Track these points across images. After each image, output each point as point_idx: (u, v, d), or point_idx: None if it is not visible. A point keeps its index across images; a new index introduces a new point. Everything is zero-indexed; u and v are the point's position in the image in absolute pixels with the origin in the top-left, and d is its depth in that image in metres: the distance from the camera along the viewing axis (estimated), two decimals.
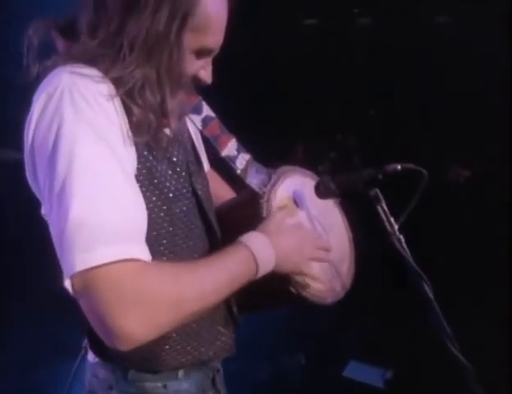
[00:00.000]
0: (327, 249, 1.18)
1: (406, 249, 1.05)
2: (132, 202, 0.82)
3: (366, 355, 2.73)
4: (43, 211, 0.90)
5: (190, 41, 0.90)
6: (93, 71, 0.84)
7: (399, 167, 1.03)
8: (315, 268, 1.17)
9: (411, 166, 1.03)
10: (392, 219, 1.06)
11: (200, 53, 0.94)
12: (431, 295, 1.02)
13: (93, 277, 0.75)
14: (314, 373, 2.73)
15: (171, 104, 0.90)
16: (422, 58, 4.75)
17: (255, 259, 0.96)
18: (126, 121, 0.86)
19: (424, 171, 1.02)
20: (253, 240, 0.99)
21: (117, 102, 0.85)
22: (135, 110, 0.86)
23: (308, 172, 1.33)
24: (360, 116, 5.21)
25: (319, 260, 1.16)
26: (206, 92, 1.10)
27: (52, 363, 2.62)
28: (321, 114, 4.90)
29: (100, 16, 0.86)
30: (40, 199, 0.90)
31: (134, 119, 0.86)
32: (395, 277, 1.04)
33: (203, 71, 0.97)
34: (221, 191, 1.34)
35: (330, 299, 1.20)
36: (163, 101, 0.89)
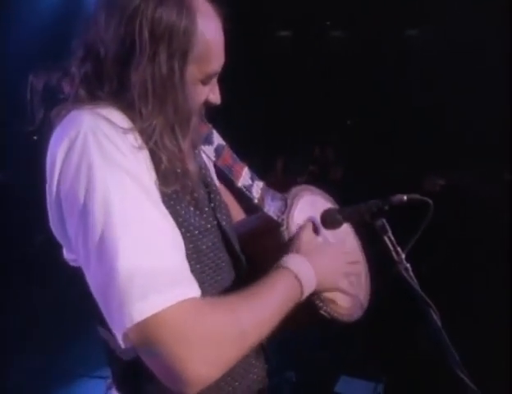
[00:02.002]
0: (357, 262, 1.18)
1: (413, 277, 1.05)
2: (175, 241, 0.80)
3: (357, 370, 2.74)
4: (68, 256, 0.86)
5: (195, 73, 0.88)
6: (115, 112, 0.81)
7: (405, 197, 1.03)
8: (345, 284, 1.16)
9: (417, 196, 1.04)
10: (399, 248, 1.06)
11: (206, 80, 0.92)
12: (439, 324, 1.03)
13: (152, 326, 0.72)
14: (305, 390, 2.72)
15: (184, 145, 0.87)
16: (395, 69, 4.86)
17: (300, 281, 0.95)
18: (153, 168, 0.83)
19: (430, 201, 1.03)
20: (294, 261, 0.98)
21: (145, 151, 0.82)
22: (164, 158, 0.83)
23: (316, 190, 1.34)
24: (337, 127, 5.27)
25: (353, 274, 1.15)
26: None
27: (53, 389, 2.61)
28: (298, 127, 4.94)
29: (99, 74, 0.83)
30: (64, 245, 0.86)
31: (163, 167, 0.83)
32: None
33: (212, 94, 0.95)
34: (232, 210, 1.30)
35: (356, 314, 1.19)
36: (179, 145, 0.86)
